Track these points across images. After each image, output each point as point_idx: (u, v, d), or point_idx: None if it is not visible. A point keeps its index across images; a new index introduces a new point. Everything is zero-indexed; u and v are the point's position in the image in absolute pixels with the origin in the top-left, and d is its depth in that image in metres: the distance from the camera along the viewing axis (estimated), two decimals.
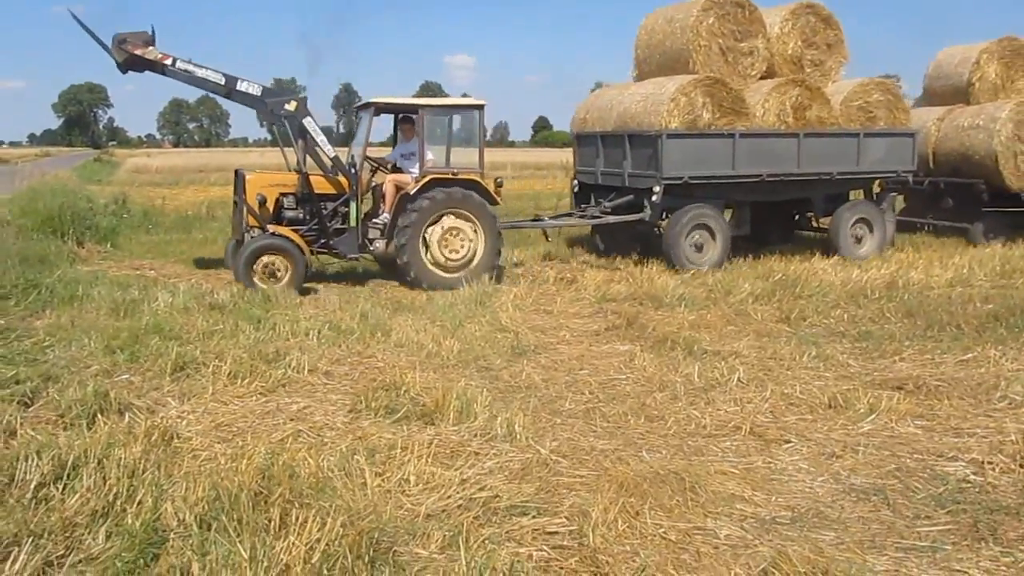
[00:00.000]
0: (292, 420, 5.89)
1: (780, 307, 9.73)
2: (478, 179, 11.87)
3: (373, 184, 12.79)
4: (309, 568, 3.57)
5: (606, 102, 14.64)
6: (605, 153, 14.06)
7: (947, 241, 15.87)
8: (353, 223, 11.72)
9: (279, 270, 10.94)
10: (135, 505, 4.24)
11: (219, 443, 5.37)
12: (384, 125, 14.76)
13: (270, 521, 3.98)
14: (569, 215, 14.77)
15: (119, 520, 4.14)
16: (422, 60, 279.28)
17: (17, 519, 4.10)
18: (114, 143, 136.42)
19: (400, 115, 12.77)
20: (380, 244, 11.91)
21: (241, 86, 11.36)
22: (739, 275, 11.77)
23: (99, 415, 5.63)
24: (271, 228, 11.28)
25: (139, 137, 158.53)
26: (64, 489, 4.45)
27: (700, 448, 5.51)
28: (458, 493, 4.59)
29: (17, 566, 3.62)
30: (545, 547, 4.09)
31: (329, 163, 11.67)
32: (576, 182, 15.04)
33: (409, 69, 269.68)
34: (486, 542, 4.08)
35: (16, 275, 10.17)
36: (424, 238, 11.53)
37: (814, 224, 15.05)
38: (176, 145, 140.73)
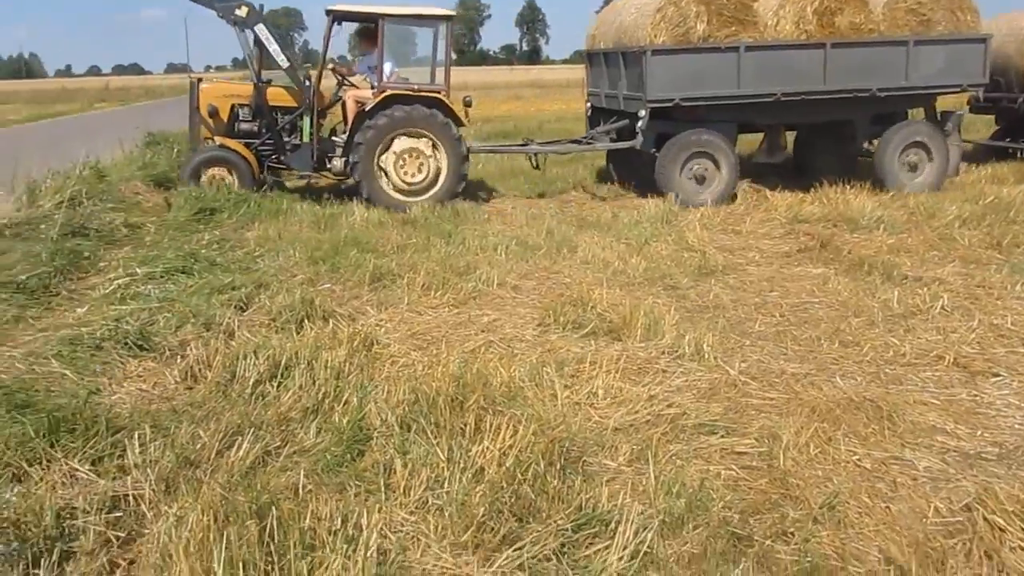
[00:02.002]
0: (483, 331, 6.09)
1: (990, 232, 9.02)
2: (442, 97, 11.04)
3: (336, 97, 12.04)
4: (503, 472, 3.71)
5: (612, 16, 12.92)
6: (608, 73, 12.49)
7: None
8: (307, 139, 11.23)
9: (225, 183, 10.74)
10: (342, 404, 4.53)
11: (415, 350, 5.63)
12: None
13: (466, 425, 4.15)
14: (558, 142, 13.60)
15: (327, 417, 4.45)
16: None
17: (240, 411, 4.50)
18: (309, 65, 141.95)
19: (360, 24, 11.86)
20: (338, 162, 11.24)
21: None
22: (944, 197, 10.98)
23: (306, 320, 6.01)
24: (218, 140, 11.02)
25: (331, 58, 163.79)
26: (278, 387, 4.82)
27: (898, 377, 5.27)
28: (645, 409, 4.63)
29: (241, 453, 3.97)
30: (734, 466, 4.08)
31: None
32: (589, 105, 13.58)
33: None
34: (674, 458, 4.11)
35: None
36: (380, 158, 10.89)
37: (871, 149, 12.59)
38: None
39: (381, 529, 3.34)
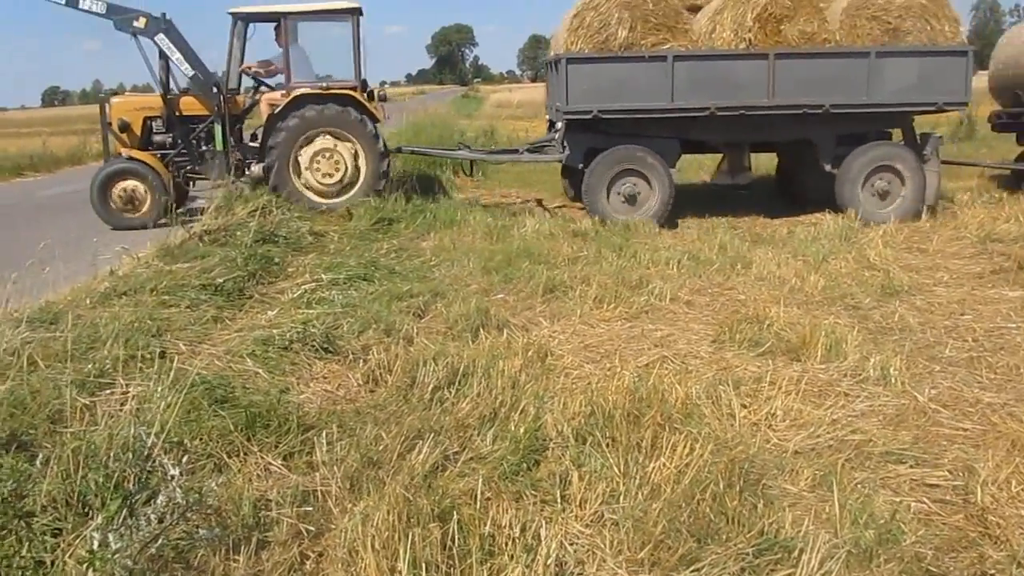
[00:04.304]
0: (656, 346, 6.02)
1: None
2: (354, 94, 10.70)
3: (252, 101, 11.83)
4: (680, 490, 3.66)
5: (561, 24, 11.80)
6: (552, 83, 11.63)
7: None
8: (219, 146, 11.02)
9: (137, 196, 10.70)
10: (518, 414, 4.57)
11: (588, 363, 5.63)
12: None
13: (642, 441, 4.11)
14: (491, 151, 13.12)
15: (504, 426, 4.49)
16: None
17: (419, 416, 4.62)
18: (479, 80, 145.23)
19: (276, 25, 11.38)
20: (256, 168, 10.99)
21: (83, 4, 10.69)
22: None
23: (481, 329, 6.14)
24: (125, 152, 10.96)
25: (500, 73, 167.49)
26: (456, 393, 4.93)
27: None
28: (827, 433, 4.46)
29: (422, 456, 4.08)
30: (926, 499, 3.86)
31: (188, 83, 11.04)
32: (548, 117, 12.81)
33: None
34: (859, 486, 3.93)
35: (404, 202, 11.30)
36: (296, 160, 10.68)
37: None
38: (534, 80, 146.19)
39: (559, 540, 3.35)
